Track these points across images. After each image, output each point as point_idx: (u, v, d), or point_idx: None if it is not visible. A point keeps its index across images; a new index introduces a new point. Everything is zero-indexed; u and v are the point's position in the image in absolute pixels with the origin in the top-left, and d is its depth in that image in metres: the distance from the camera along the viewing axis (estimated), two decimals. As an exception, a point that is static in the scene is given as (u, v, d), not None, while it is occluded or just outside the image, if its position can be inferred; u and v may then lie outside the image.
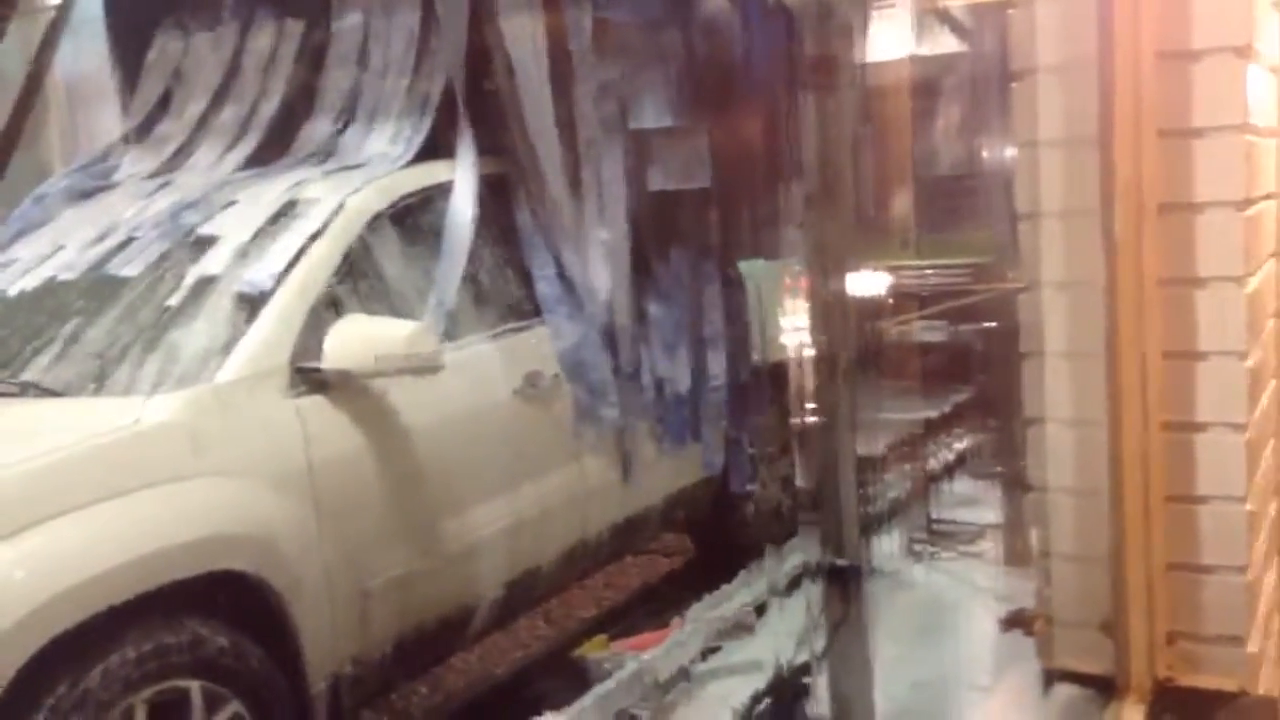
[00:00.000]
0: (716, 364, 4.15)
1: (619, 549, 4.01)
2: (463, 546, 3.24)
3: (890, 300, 5.34)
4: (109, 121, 4.63)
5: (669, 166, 3.86)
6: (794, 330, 4.49)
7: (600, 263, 3.74)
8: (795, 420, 4.73)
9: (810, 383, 3.68)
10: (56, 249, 3.46)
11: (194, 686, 2.56)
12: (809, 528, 3.68)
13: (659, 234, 3.95)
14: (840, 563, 3.39)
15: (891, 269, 5.52)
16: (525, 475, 3.44)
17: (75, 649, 2.36)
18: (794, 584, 3.90)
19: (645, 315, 3.90)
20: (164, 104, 4.18)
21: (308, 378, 2.92)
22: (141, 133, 4.19)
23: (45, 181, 4.12)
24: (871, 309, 4.96)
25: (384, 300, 3.22)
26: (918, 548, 4.32)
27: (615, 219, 3.76)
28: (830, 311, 3.54)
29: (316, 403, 2.92)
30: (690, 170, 3.86)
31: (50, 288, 3.29)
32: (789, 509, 4.68)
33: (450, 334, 3.26)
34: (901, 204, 6.14)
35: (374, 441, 3.00)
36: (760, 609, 3.86)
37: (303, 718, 2.82)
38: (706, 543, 4.58)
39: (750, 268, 4.33)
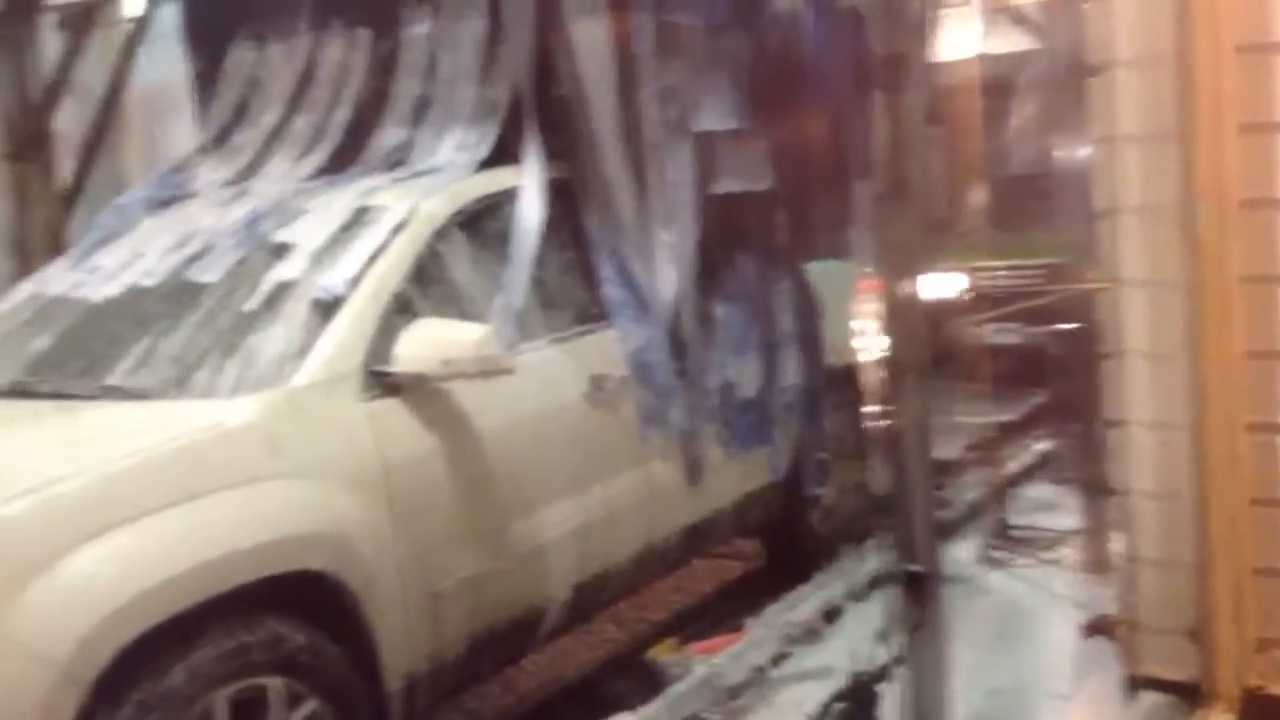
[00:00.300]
0: (785, 366, 4.13)
1: (688, 552, 4.00)
2: (532, 548, 3.25)
3: (963, 301, 5.28)
4: (186, 132, 4.72)
5: (735, 168, 3.85)
6: (865, 332, 4.46)
7: (666, 265, 3.74)
8: (868, 423, 4.70)
9: (882, 385, 3.65)
10: (137, 257, 3.53)
11: (274, 684, 2.60)
12: (884, 533, 3.66)
13: (725, 236, 3.93)
14: (914, 569, 3.35)
15: (964, 269, 5.46)
16: (593, 478, 3.45)
17: (159, 646, 2.41)
18: (868, 589, 3.87)
19: (712, 318, 3.89)
20: (239, 114, 4.25)
21: (380, 381, 2.95)
22: (218, 142, 4.27)
23: (125, 191, 4.20)
24: (944, 310, 4.91)
25: (454, 304, 3.24)
26: (995, 554, 4.26)
27: (681, 222, 3.76)
28: (901, 313, 3.51)
29: (389, 405, 2.95)
30: (756, 172, 3.86)
31: (131, 294, 3.37)
32: (863, 513, 4.64)
33: (518, 337, 3.28)
34: (974, 203, 6.07)
35: (445, 443, 3.03)
36: (833, 614, 3.83)
37: (379, 716, 2.85)
38: (778, 547, 4.54)
39: (820, 269, 4.30)
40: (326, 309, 3.03)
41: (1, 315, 3.55)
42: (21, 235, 5.02)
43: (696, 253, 3.84)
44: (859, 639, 3.35)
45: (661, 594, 4.44)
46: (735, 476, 4.05)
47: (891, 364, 3.53)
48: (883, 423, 3.66)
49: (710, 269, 3.92)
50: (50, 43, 5.04)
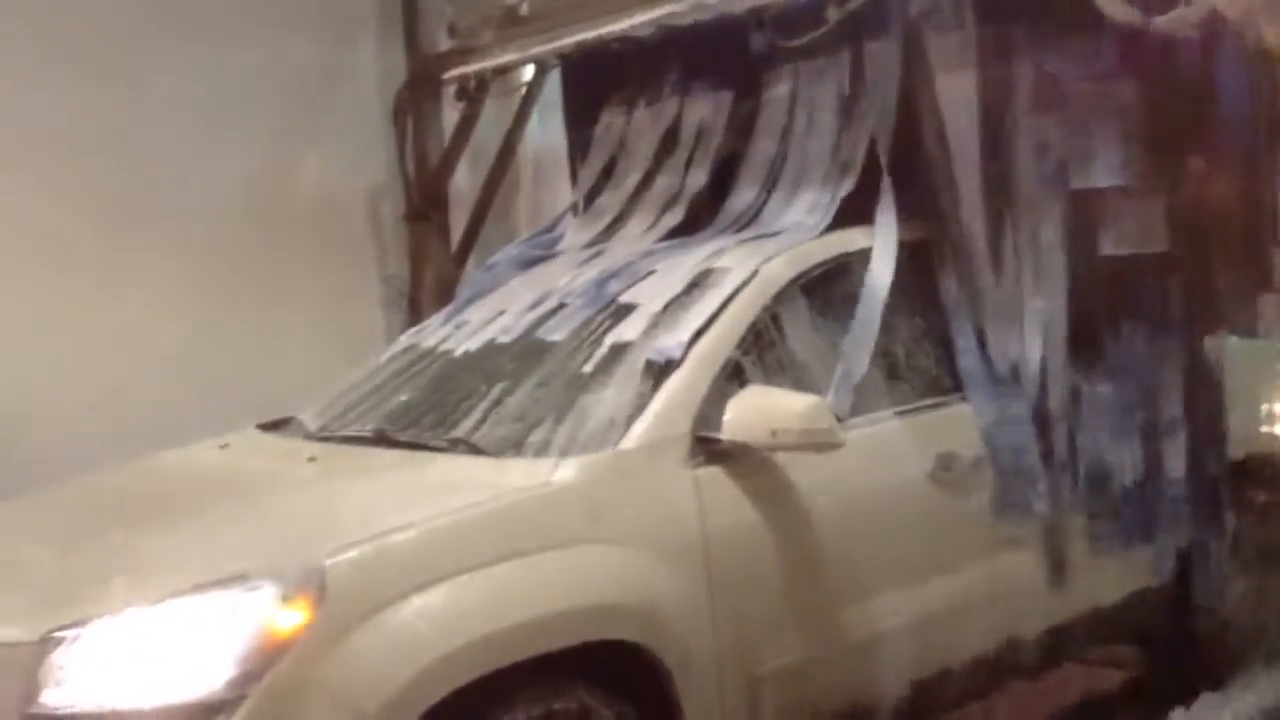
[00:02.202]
0: (1176, 455, 3.60)
1: (1049, 657, 3.57)
2: (863, 638, 3.03)
3: None
4: (567, 194, 4.93)
5: (1121, 229, 3.44)
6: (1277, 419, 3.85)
7: (1034, 335, 3.39)
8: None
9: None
10: (499, 314, 3.66)
11: (578, 755, 2.55)
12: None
13: (1108, 304, 3.51)
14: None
15: None
16: (937, 566, 3.16)
17: (468, 705, 2.41)
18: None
19: (1088, 395, 3.47)
20: (606, 176, 4.36)
21: (707, 448, 2.86)
22: (586, 204, 4.40)
23: (499, 251, 4.42)
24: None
25: (791, 371, 3.10)
26: None
27: (1053, 287, 3.40)
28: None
29: (713, 474, 2.85)
30: (1146, 233, 3.42)
31: (487, 350, 3.48)
32: (1268, 630, 4.00)
33: (857, 409, 3.08)
34: None
35: (771, 518, 2.88)
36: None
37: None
38: (1162, 659, 3.98)
39: (1226, 346, 3.76)
40: (659, 372, 2.98)
41: (380, 365, 3.80)
42: (416, 290, 5.46)
43: (1071, 322, 3.46)
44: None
45: (1021, 698, 4.01)
46: (1110, 576, 3.58)
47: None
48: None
49: (1089, 341, 3.51)
50: (449, 110, 5.46)
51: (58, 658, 2.30)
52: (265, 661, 2.27)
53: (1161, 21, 2.99)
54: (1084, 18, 3.15)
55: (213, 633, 2.29)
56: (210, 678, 2.25)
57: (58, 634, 2.31)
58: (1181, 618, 3.81)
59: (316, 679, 2.29)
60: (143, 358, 4.88)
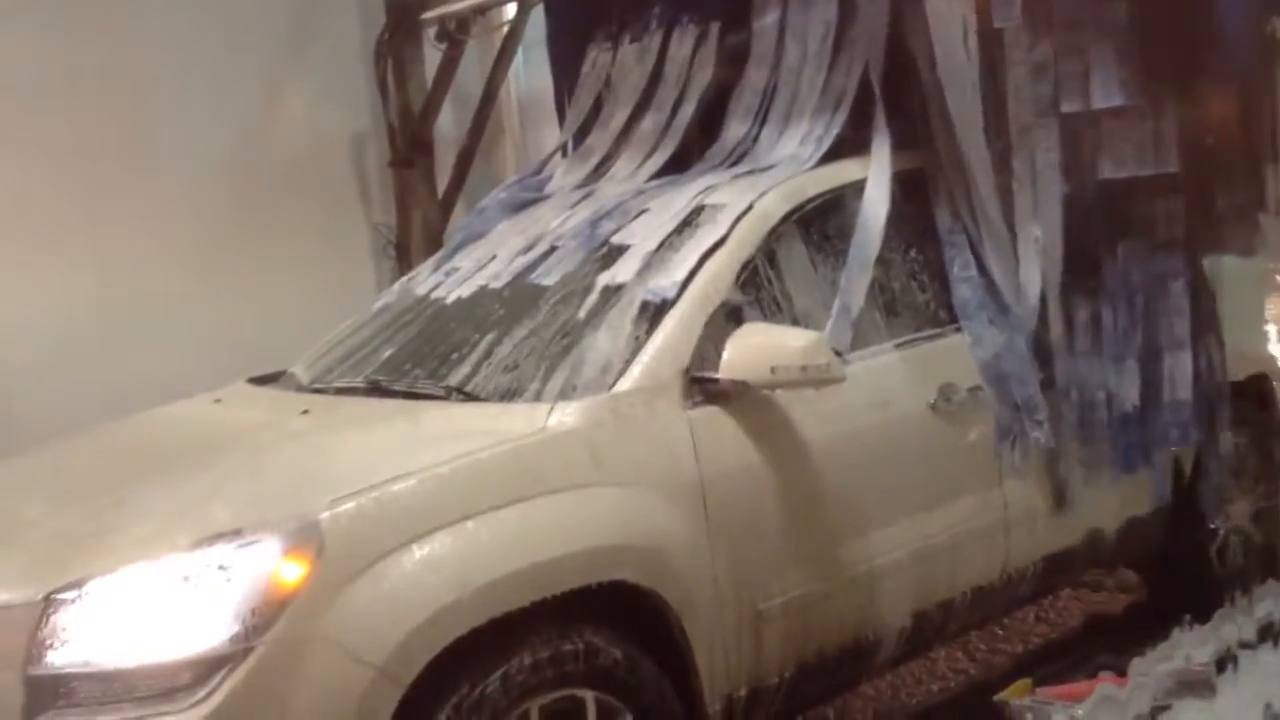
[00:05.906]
0: (1176, 378, 3.59)
1: (1050, 583, 3.60)
2: (865, 571, 3.03)
3: None
4: (554, 135, 4.85)
5: (1118, 151, 3.39)
6: (1276, 339, 3.84)
7: (1031, 262, 3.36)
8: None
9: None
10: (489, 259, 3.61)
11: (589, 697, 2.55)
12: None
13: (1105, 228, 3.47)
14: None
15: None
16: (937, 498, 3.16)
17: (477, 651, 2.41)
18: (1268, 637, 3.32)
19: (1087, 321, 3.44)
20: (595, 115, 4.29)
21: (704, 388, 2.83)
22: (575, 144, 4.33)
23: (487, 195, 4.35)
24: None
25: (788, 307, 3.07)
26: None
27: (1050, 213, 3.36)
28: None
29: (712, 414, 2.82)
30: (1143, 155, 3.37)
31: (479, 296, 3.44)
32: (1269, 547, 4.02)
33: (856, 343, 3.05)
34: None
35: (770, 456, 2.86)
36: (1225, 663, 3.31)
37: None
38: (1162, 582, 4.00)
39: (1218, 266, 3.73)
40: (654, 313, 2.94)
41: (371, 315, 3.76)
42: (404, 238, 5.39)
43: (1070, 248, 3.43)
44: (1253, 696, 2.86)
45: (1021, 625, 4.04)
46: (1111, 501, 3.59)
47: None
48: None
49: (1087, 266, 3.48)
50: (431, 53, 5.35)
51: (60, 618, 2.28)
52: (267, 616, 2.25)
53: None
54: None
55: (212, 588, 2.27)
56: (212, 633, 2.23)
57: (59, 595, 2.29)
58: (1182, 539, 3.83)
59: (320, 631, 2.27)
60: (129, 314, 4.84)
